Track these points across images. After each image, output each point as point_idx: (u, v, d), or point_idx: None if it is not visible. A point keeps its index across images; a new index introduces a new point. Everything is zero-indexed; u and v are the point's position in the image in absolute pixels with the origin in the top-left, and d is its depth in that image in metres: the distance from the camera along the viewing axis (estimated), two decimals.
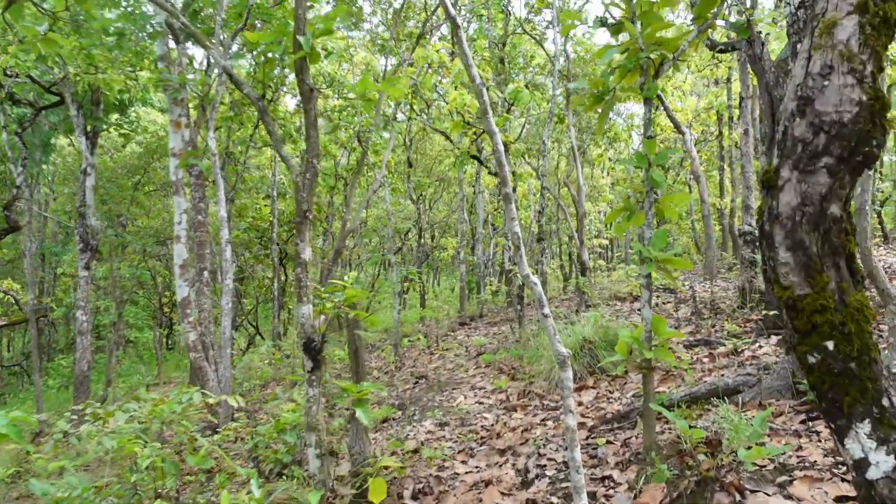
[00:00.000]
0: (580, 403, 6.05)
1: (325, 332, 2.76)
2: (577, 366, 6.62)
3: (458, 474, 4.80)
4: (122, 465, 5.47)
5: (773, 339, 7.05)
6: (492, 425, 5.96)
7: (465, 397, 7.25)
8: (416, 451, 5.59)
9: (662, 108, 13.56)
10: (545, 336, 8.16)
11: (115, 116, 18.06)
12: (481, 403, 6.89)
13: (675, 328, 8.79)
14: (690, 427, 3.71)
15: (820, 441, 3.83)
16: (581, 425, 5.43)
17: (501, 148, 3.13)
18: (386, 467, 4.95)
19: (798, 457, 3.69)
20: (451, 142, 9.84)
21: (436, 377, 9.00)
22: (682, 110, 18.04)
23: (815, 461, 3.55)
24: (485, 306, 15.26)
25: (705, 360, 6.89)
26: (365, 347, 14.31)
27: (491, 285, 22.26)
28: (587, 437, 5.08)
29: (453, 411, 6.68)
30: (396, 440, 5.11)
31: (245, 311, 24.69)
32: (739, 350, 6.89)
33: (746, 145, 8.96)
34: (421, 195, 23.68)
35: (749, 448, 3.65)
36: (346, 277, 2.92)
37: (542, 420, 5.80)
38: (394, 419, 7.10)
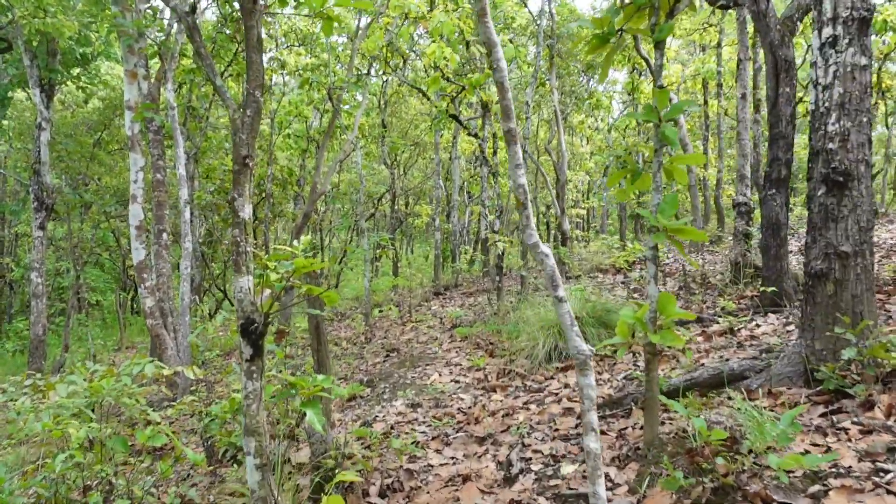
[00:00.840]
0: (566, 385, 5.52)
1: (271, 312, 2.18)
2: (562, 343, 6.08)
3: (431, 466, 4.26)
4: (58, 445, 4.87)
5: (772, 317, 6.58)
6: (469, 408, 5.42)
7: (440, 375, 6.70)
8: (385, 434, 5.04)
9: (648, 70, 12.99)
10: (526, 309, 7.64)
11: (77, 71, 17.10)
12: (457, 382, 6.35)
13: None
14: (697, 420, 3.18)
15: (850, 440, 3.32)
16: (568, 411, 4.91)
17: (504, 66, 2.52)
18: (350, 456, 4.40)
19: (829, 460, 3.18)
20: (429, 99, 9.18)
21: (408, 351, 8.45)
22: (665, 78, 17.45)
23: (850, 466, 3.04)
24: (460, 276, 14.72)
25: (699, 339, 6.41)
26: (334, 317, 13.72)
27: (466, 254, 21.73)
28: (576, 426, 4.56)
29: (427, 390, 6.13)
30: (363, 427, 4.54)
31: (213, 276, 23.96)
32: (736, 329, 6.40)
33: (744, 110, 8.42)
34: (395, 159, 22.97)
35: (772, 450, 3.14)
36: (295, 243, 2.32)
37: (525, 403, 5.27)
38: (362, 397, 6.55)
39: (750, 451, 3.15)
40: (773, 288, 6.79)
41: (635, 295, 9.04)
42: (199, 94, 14.95)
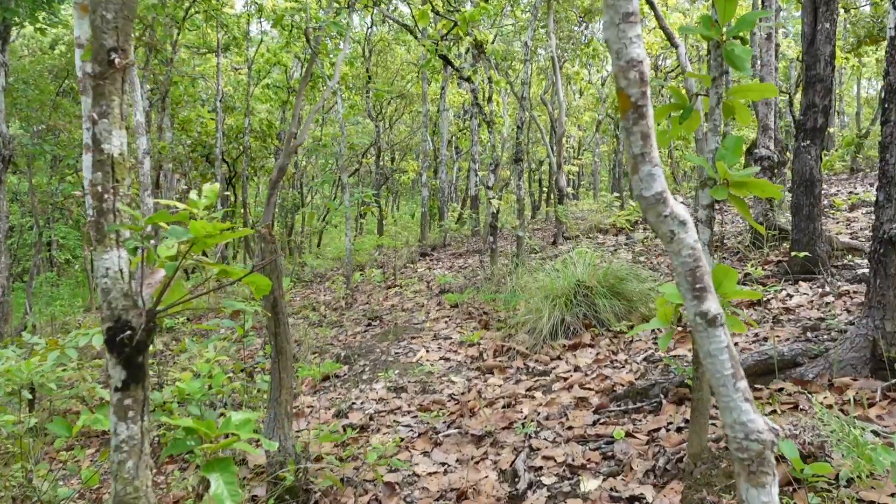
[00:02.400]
0: (576, 368, 4.70)
1: (159, 310, 1.32)
2: (569, 317, 5.25)
3: (417, 477, 3.45)
4: None
5: (804, 286, 5.79)
6: (462, 394, 4.60)
7: (427, 351, 5.87)
8: (362, 429, 4.23)
9: (654, 15, 11.99)
10: (524, 275, 6.80)
11: (42, 15, 15.87)
12: (447, 360, 5.53)
13: None
14: (785, 444, 2.36)
15: None
16: (582, 401, 4.10)
17: None
18: (318, 459, 3.60)
19: None
20: (416, 37, 8.20)
21: (392, 319, 7.62)
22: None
23: None
24: (448, 234, 13.85)
25: None
26: (313, 279, 12.82)
27: (455, 212, 20.82)
28: (594, 422, 3.75)
29: (412, 371, 5.31)
30: (331, 433, 3.70)
31: None
32: (766, 299, 5.61)
33: (769, 52, 7.52)
34: (381, 112, 21.89)
35: (876, 479, 2.33)
36: (193, 196, 1.45)
37: (529, 390, 4.46)
38: (338, 377, 5.71)
39: (849, 482, 2.35)
40: (805, 252, 5.99)
41: (642, 259, 8.22)
42: (162, 35, 13.79)
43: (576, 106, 20.78)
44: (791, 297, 5.58)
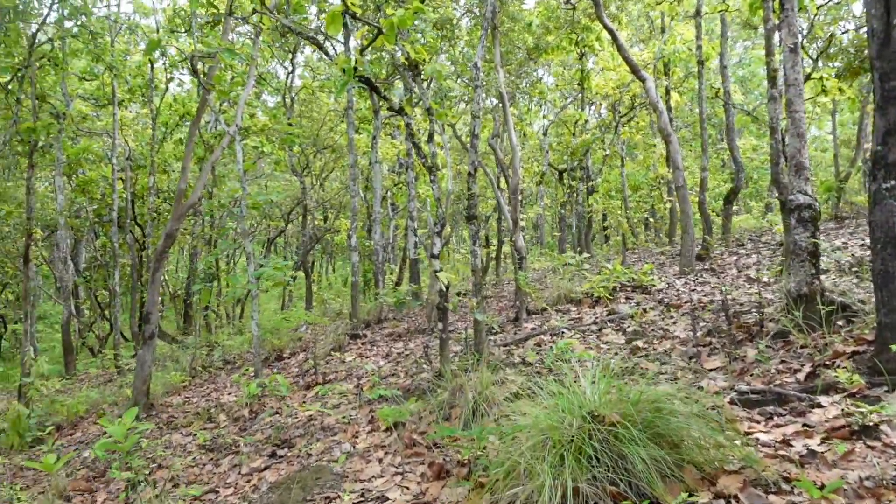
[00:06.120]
0: None
1: None
2: (586, 484, 3.09)
3: None
4: None
5: None
6: None
7: None
8: None
9: (615, 45, 10.18)
10: (487, 374, 4.71)
11: None
12: None
13: (694, 359, 5.45)
14: None
15: None
16: None
17: None
18: None
19: None
20: (326, 53, 6.09)
21: (305, 448, 5.36)
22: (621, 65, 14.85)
23: None
24: (384, 307, 11.62)
25: (794, 441, 3.60)
26: (223, 367, 10.42)
27: (393, 274, 18.62)
28: None
29: None
30: None
31: (101, 304, 20.20)
32: (866, 424, 3.60)
33: (794, 69, 5.71)
34: (306, 167, 19.75)
35: None
36: None
37: None
38: None
39: None
40: None
41: (640, 343, 6.19)
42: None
43: (534, 144, 19.06)
44: None
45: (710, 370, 5.16)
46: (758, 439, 3.71)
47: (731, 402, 4.30)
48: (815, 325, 5.15)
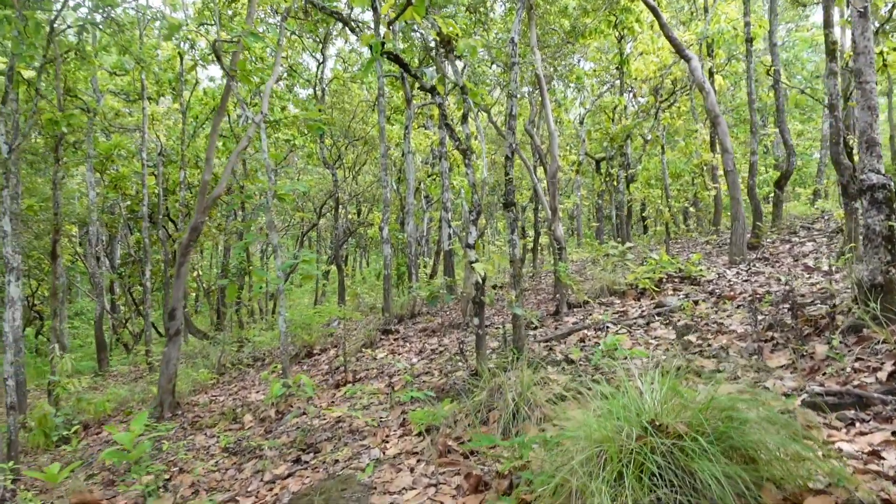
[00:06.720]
0: None
1: None
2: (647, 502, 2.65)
3: None
4: None
5: None
6: None
7: None
8: None
9: (659, 24, 9.60)
10: (527, 372, 4.29)
11: None
12: None
13: (756, 356, 4.95)
14: None
15: None
16: None
17: None
18: None
19: None
20: (352, 29, 5.69)
21: (331, 454, 4.99)
22: (662, 48, 14.23)
23: None
24: (418, 301, 11.23)
25: (886, 453, 3.12)
26: (251, 364, 10.16)
27: (426, 266, 18.20)
28: None
29: None
30: None
31: (136, 300, 20.20)
32: None
33: (864, 35, 5.17)
34: (338, 160, 19.43)
35: None
36: None
37: None
38: None
39: None
40: None
41: (693, 339, 5.69)
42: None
43: (570, 132, 18.53)
44: None
45: (775, 368, 4.67)
46: (840, 449, 3.24)
47: (803, 405, 3.82)
48: (894, 317, 4.62)
